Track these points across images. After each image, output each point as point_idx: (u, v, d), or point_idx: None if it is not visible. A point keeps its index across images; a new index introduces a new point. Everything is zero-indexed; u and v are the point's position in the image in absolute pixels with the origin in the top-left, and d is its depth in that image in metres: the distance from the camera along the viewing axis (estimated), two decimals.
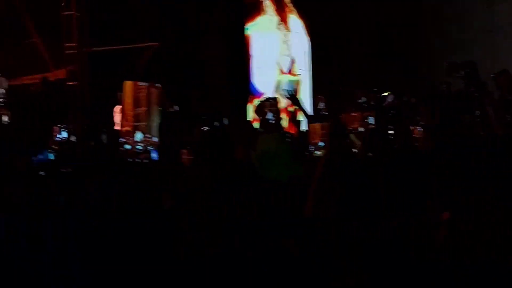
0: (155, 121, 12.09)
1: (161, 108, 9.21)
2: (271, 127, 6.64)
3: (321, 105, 8.30)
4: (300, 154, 6.03)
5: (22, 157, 5.87)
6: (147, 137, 10.37)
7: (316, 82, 15.97)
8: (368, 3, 15.79)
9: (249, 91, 15.58)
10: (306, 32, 16.25)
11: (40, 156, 5.87)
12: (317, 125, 6.28)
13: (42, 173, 5.33)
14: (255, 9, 15.72)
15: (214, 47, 15.78)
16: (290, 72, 16.18)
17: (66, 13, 16.16)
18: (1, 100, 7.82)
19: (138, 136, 10.93)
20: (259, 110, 7.36)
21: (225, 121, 6.71)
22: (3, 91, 7.94)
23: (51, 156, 6.11)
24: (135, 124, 12.59)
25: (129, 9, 16.35)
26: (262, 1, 15.70)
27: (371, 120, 5.18)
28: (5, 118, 12.27)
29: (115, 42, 16.08)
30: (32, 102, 14.36)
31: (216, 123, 6.91)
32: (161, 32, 15.70)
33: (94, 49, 16.26)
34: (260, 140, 5.32)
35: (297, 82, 15.97)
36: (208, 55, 15.89)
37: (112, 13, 15.89)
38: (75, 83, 16.28)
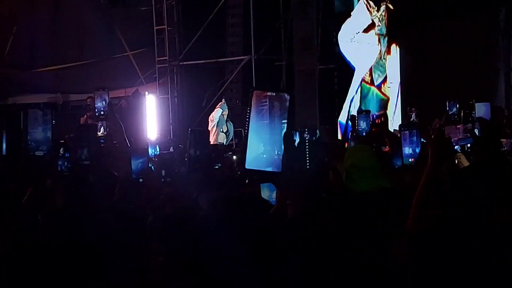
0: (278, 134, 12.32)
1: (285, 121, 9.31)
2: (362, 139, 6.71)
3: (413, 116, 8.32)
4: (390, 167, 6.04)
5: (123, 166, 6.08)
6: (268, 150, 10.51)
7: (406, 93, 15.90)
8: (456, 22, 15.64)
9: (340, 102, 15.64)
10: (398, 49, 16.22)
11: (140, 166, 6.08)
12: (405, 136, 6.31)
13: (141, 180, 5.55)
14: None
15: (306, 57, 15.89)
16: (380, 88, 16.17)
17: (158, 27, 16.58)
18: (102, 112, 8.08)
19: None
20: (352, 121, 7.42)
21: (317, 133, 6.80)
22: (104, 103, 8.20)
23: (152, 168, 6.32)
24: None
25: (221, 23, 16.63)
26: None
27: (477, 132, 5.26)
28: (101, 130, 12.73)
29: (207, 55, 16.38)
30: (125, 114, 14.80)
31: (307, 135, 6.99)
32: (252, 45, 15.88)
33: (185, 62, 16.61)
34: (348, 152, 5.33)
35: (386, 102, 15.95)
36: (299, 66, 16.01)
37: (204, 26, 16.19)
38: (166, 95, 16.68)
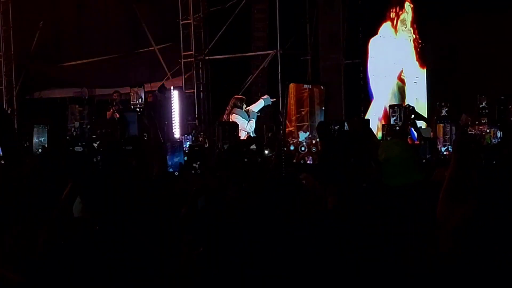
0: (318, 121, 12.31)
1: (324, 108, 9.38)
2: (396, 133, 6.78)
3: (444, 111, 8.37)
4: (423, 161, 6.09)
5: (158, 161, 6.20)
6: (311, 137, 10.61)
7: (434, 89, 15.92)
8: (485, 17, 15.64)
9: (367, 97, 15.71)
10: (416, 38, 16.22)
11: (176, 160, 6.21)
12: (440, 129, 6.36)
13: (176, 173, 5.68)
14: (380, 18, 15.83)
15: (331, 52, 15.97)
16: (398, 77, 16.22)
17: (184, 22, 16.68)
18: (138, 109, 8.21)
19: (302, 136, 11.20)
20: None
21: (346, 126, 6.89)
22: (141, 100, 8.32)
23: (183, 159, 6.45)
24: (299, 124, 12.93)
25: (247, 17, 16.70)
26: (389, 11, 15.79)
27: (498, 134, 5.31)
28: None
29: (232, 50, 16.46)
30: (152, 109, 14.93)
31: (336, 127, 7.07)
32: (278, 39, 15.95)
33: (211, 57, 16.71)
34: (382, 146, 5.40)
35: (403, 90, 15.99)
36: (324, 61, 16.08)
37: (229, 21, 16.28)
38: (192, 90, 16.78)
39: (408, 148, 5.42)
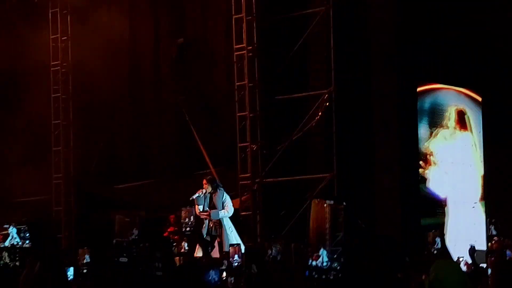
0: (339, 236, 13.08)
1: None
2: (443, 254, 7.30)
3: (492, 229, 8.94)
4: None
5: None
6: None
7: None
8: None
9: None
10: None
11: (212, 276, 6.74)
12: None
13: None
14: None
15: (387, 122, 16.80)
16: None
17: (242, 144, 17.66)
18: (188, 229, 9.02)
19: (324, 253, 11.87)
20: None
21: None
22: (192, 219, 9.15)
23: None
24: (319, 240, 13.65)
25: (304, 139, 17.52)
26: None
27: None
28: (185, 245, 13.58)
29: (289, 173, 17.22)
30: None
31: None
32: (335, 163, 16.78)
33: (267, 180, 17.53)
34: (435, 265, 5.65)
35: None
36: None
37: (286, 144, 17.18)
38: (248, 213, 17.59)
39: (459, 269, 5.92)
